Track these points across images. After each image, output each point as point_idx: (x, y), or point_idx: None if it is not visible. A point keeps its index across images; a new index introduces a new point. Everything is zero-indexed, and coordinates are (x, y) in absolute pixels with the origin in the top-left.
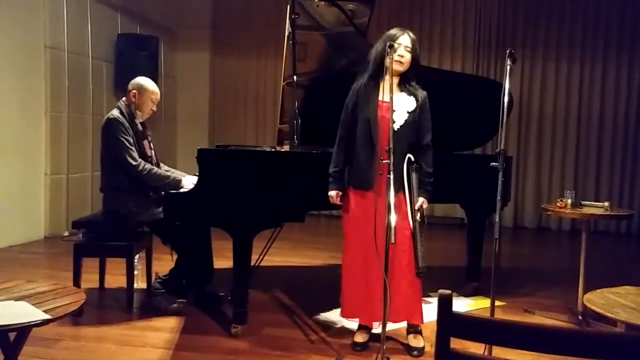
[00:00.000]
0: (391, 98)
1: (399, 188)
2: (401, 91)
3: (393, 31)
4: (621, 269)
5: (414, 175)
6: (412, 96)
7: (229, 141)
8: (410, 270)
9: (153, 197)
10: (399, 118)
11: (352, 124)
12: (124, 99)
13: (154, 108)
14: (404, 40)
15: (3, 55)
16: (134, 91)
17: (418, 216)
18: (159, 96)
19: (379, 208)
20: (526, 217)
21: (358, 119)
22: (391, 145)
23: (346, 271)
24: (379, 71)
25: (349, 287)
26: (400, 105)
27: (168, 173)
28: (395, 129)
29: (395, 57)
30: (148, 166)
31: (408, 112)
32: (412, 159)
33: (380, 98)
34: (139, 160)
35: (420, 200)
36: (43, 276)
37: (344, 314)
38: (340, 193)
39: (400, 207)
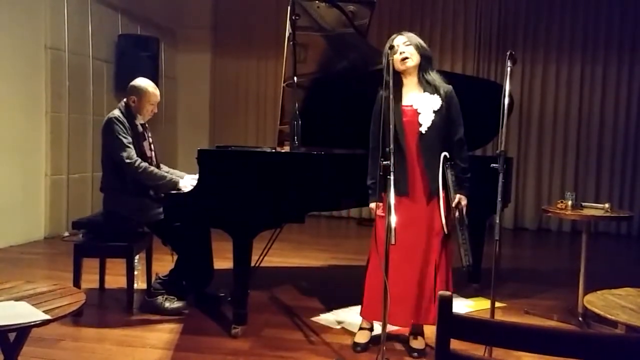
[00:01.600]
0: (391, 94)
1: (435, 190)
2: (424, 91)
3: (390, 38)
4: (621, 271)
5: (449, 173)
6: (435, 94)
7: (230, 142)
8: (439, 272)
9: (153, 197)
10: (426, 120)
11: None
12: (125, 99)
13: (155, 110)
14: (399, 40)
15: (4, 55)
16: (133, 97)
17: (457, 214)
18: (158, 98)
19: (413, 213)
20: (526, 219)
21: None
22: (391, 147)
23: (373, 274)
24: (395, 78)
25: (375, 290)
26: (425, 106)
27: (165, 173)
28: (424, 132)
29: (398, 57)
30: (144, 164)
31: (434, 112)
32: (447, 156)
33: (403, 103)
34: (135, 158)
35: (458, 197)
36: (43, 276)
37: (368, 316)
38: (380, 204)
39: (436, 210)
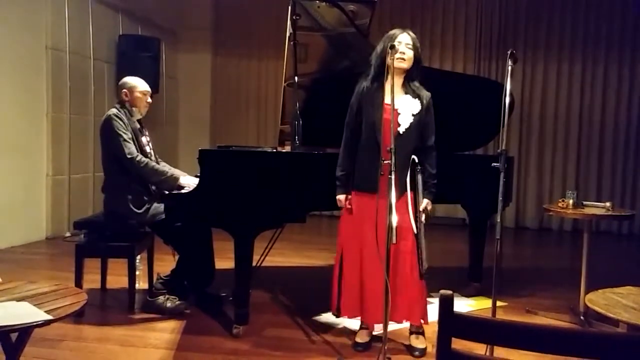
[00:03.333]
0: (392, 100)
1: (403, 190)
2: (406, 93)
3: (393, 31)
4: (623, 269)
5: (419, 177)
6: (416, 98)
7: (231, 142)
8: (413, 270)
9: (154, 197)
10: (405, 121)
11: (357, 126)
12: (119, 99)
13: (149, 100)
14: (404, 38)
15: (5, 56)
16: (124, 90)
17: (423, 217)
18: (147, 87)
19: (381, 209)
20: (528, 218)
21: (363, 121)
22: (392, 146)
23: (347, 272)
24: (382, 72)
25: (349, 287)
26: (405, 108)
27: (167, 169)
28: (401, 132)
29: (397, 55)
30: (146, 160)
31: (413, 115)
32: (417, 160)
33: (385, 100)
34: (136, 153)
35: (425, 202)
36: (45, 277)
37: (344, 313)
38: (349, 196)
39: (404, 209)
